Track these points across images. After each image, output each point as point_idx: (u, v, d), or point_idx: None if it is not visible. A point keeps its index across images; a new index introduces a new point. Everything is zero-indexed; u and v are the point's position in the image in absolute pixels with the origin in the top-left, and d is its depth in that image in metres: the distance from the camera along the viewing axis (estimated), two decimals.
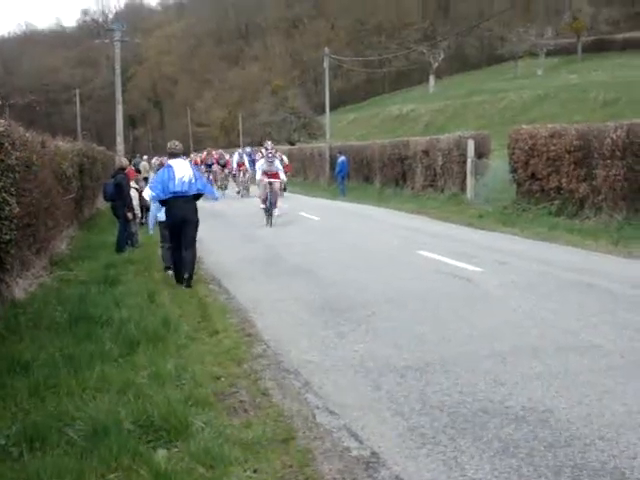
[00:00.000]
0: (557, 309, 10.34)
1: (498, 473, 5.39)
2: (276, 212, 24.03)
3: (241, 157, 41.61)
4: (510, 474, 5.36)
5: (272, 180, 24.19)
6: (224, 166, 43.55)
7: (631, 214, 18.37)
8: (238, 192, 40.33)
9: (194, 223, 13.33)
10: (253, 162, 37.45)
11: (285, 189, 34.11)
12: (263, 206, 24.30)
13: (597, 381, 7.19)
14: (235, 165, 41.55)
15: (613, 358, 7.90)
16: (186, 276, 13.12)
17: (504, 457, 5.63)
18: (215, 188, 38.04)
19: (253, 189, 36.35)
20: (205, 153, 45.96)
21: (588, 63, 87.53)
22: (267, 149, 25.61)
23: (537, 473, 5.35)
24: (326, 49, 50.39)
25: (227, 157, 45.23)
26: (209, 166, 42.79)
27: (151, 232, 14.07)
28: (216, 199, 17.12)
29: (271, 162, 24.44)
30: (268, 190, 23.97)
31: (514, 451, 5.72)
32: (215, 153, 45.80)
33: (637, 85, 59.01)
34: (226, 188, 42.32)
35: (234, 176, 42.75)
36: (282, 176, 24.89)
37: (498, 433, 6.07)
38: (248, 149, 45.26)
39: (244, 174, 40.40)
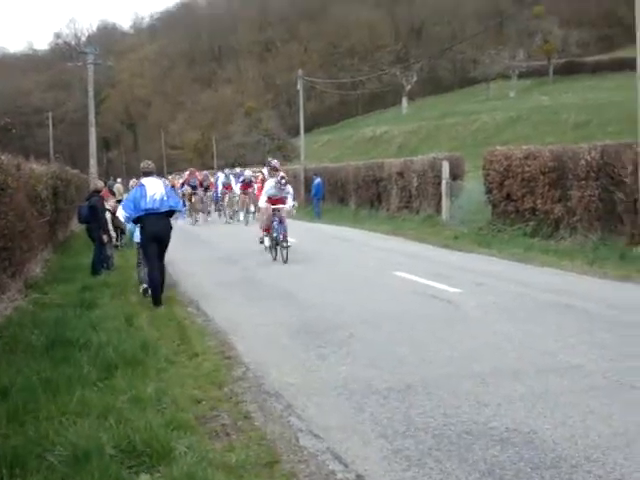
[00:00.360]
0: (535, 330, 10.35)
1: None
2: (285, 245, 19.40)
3: (227, 178, 38.91)
4: None
5: (279, 206, 20.12)
6: (207, 189, 40.47)
7: (606, 234, 18.48)
8: (224, 217, 37.93)
9: (167, 240, 13.66)
10: (247, 185, 34.99)
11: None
12: (266, 241, 20.71)
13: (580, 402, 7.18)
14: (220, 187, 39.26)
15: (595, 378, 7.91)
16: (153, 294, 13.50)
17: (490, 479, 5.60)
18: (195, 214, 36.81)
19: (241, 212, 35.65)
20: (188, 173, 42.38)
21: (559, 85, 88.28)
22: (276, 169, 21.92)
23: None
24: (300, 71, 50.52)
25: (211, 179, 42.65)
26: (194, 188, 38.69)
27: (137, 239, 13.89)
28: (183, 217, 17.72)
29: (283, 187, 20.20)
30: (276, 220, 19.78)
31: (500, 473, 5.69)
32: (199, 174, 42.51)
33: (607, 107, 59.55)
34: (209, 213, 40.18)
35: (216, 201, 40.76)
36: (291, 201, 20.44)
37: (484, 455, 6.04)
38: (238, 170, 41.23)
39: (230, 198, 37.64)
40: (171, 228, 13.74)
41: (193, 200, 37.74)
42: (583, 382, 7.82)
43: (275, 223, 19.78)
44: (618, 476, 5.51)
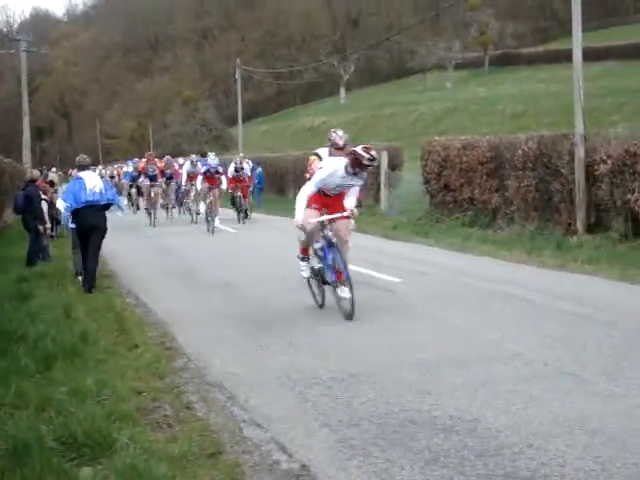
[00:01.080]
0: (478, 319, 10.42)
1: None
2: (346, 293, 10.85)
3: (194, 167, 30.34)
4: None
5: (335, 217, 11.33)
6: (170, 178, 32.33)
7: (542, 224, 18.69)
8: (192, 217, 30.40)
9: (103, 230, 14.15)
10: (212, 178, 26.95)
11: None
12: (304, 268, 11.82)
13: (522, 390, 7.22)
14: (185, 177, 31.09)
15: (536, 366, 7.97)
16: (86, 285, 13.86)
17: (435, 467, 5.60)
18: (154, 212, 29.36)
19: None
20: (144, 161, 33.05)
21: (495, 76, 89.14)
22: (338, 146, 11.99)
23: None
24: (238, 60, 50.28)
25: (176, 166, 34.56)
26: (152, 178, 30.61)
27: (70, 226, 14.10)
28: (122, 210, 16.62)
29: (357, 173, 10.99)
30: (323, 243, 11.33)
31: (445, 461, 5.70)
32: (159, 161, 33.49)
33: (542, 98, 60.31)
34: (173, 208, 33.29)
35: (177, 195, 33.80)
36: (353, 202, 11.39)
37: (428, 443, 6.05)
38: (213, 158, 28.50)
39: (206, 194, 26.88)
40: (106, 219, 14.19)
41: (152, 194, 30.05)
42: (525, 370, 7.87)
43: (321, 245, 11.41)
44: (560, 462, 5.55)
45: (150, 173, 30.91)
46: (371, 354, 8.82)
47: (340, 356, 8.77)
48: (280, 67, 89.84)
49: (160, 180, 30.94)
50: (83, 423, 6.26)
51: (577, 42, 18.25)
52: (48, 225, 19.01)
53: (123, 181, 42.35)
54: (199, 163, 30.52)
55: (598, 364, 7.84)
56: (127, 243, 22.17)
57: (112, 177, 47.84)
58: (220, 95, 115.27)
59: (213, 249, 19.93)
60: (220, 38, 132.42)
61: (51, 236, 20.11)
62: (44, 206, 18.73)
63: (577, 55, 18.26)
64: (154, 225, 28.96)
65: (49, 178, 23.33)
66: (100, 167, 52.38)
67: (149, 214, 29.73)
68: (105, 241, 14.56)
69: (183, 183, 31.75)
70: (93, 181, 14.05)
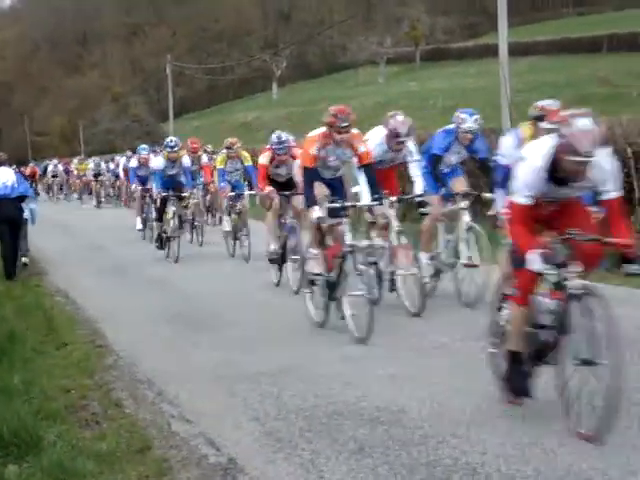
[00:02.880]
0: (403, 312, 10.55)
1: (355, 473, 5.45)
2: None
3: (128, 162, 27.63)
4: (366, 474, 5.43)
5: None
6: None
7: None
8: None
9: (18, 222, 15.14)
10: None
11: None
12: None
13: (447, 380, 7.37)
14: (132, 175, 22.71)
15: (461, 358, 8.12)
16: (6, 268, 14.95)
17: (360, 457, 5.71)
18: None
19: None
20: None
21: (426, 71, 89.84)
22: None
23: (393, 472, 5.44)
24: (169, 56, 50.00)
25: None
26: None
27: None
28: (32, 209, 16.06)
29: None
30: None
31: (369, 451, 5.80)
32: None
33: (472, 92, 60.92)
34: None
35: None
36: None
37: (354, 434, 6.15)
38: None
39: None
40: (22, 211, 15.17)
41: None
42: (449, 360, 8.03)
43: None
44: (482, 450, 5.69)
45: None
46: (300, 348, 8.91)
47: (269, 351, 8.84)
48: (212, 62, 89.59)
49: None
50: (9, 421, 6.23)
51: (503, 37, 18.56)
52: None
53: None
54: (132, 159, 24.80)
55: None
56: (57, 241, 21.93)
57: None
58: (151, 90, 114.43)
59: (144, 246, 19.78)
60: (151, 33, 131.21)
61: None
62: None
63: (503, 50, 18.58)
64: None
65: None
66: (55, 161, 50.13)
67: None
68: (33, 238, 14.54)
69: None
70: (6, 176, 15.11)
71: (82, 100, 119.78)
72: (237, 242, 16.65)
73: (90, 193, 40.10)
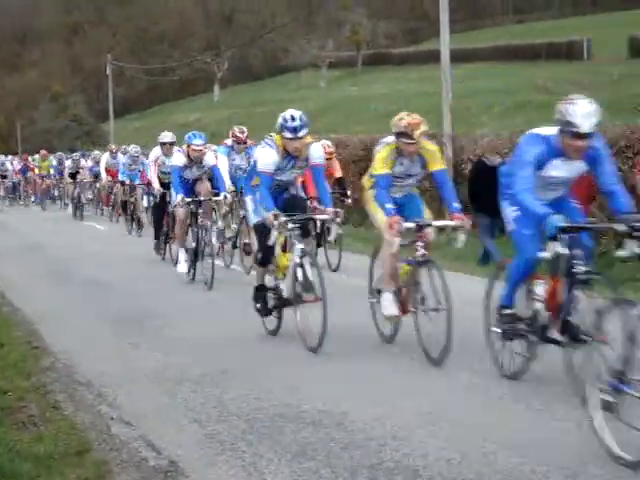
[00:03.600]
0: (350, 313, 10.54)
1: (297, 476, 5.44)
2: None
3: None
4: (309, 476, 5.43)
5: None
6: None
7: None
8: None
9: None
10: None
11: None
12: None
13: (389, 383, 7.41)
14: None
15: (403, 361, 8.15)
16: None
17: (302, 460, 5.70)
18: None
19: None
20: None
21: (368, 76, 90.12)
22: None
23: (335, 474, 5.44)
24: (109, 56, 49.56)
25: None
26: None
27: None
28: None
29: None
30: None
31: (312, 454, 5.79)
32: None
33: (413, 98, 61.31)
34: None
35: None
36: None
37: (296, 437, 6.14)
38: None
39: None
40: None
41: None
42: (392, 363, 8.06)
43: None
44: (423, 452, 5.72)
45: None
46: (242, 350, 8.87)
47: (211, 352, 8.80)
48: (153, 63, 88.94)
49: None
50: None
51: (445, 42, 18.69)
52: None
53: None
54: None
55: (462, 357, 8.04)
56: None
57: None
58: (91, 90, 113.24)
59: (85, 246, 19.55)
60: (91, 33, 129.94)
61: None
62: None
63: (445, 55, 18.70)
64: None
65: None
66: (4, 158, 42.17)
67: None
68: None
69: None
70: None
71: (20, 99, 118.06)
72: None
73: (54, 198, 35.62)
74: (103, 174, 26.15)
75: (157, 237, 16.86)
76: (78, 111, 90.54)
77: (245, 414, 6.71)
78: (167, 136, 16.74)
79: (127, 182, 22.72)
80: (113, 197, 26.42)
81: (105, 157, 26.75)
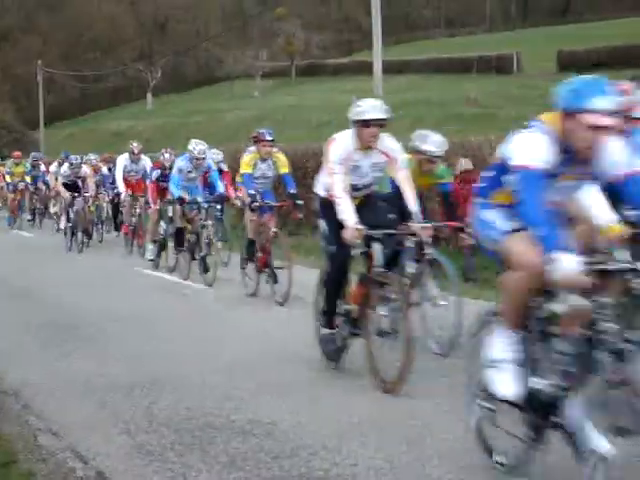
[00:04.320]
0: (270, 322, 10.58)
1: None
2: None
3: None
4: None
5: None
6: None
7: None
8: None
9: None
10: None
11: None
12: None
13: (320, 392, 7.43)
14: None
15: (334, 372, 8.15)
16: None
17: (232, 470, 5.68)
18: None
19: None
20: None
21: (302, 86, 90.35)
22: None
23: None
24: (39, 62, 48.97)
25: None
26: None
27: None
28: None
29: None
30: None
31: (241, 464, 5.79)
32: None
33: (347, 108, 61.53)
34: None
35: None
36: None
37: (225, 447, 6.12)
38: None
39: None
40: None
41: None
42: (323, 374, 8.08)
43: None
44: (353, 462, 5.75)
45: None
46: (173, 360, 8.82)
47: (143, 362, 8.74)
48: (85, 70, 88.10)
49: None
50: None
51: (377, 54, 18.85)
52: None
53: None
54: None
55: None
56: None
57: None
58: (21, 97, 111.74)
59: (10, 255, 19.27)
60: (22, 39, 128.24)
61: None
62: None
63: (377, 67, 18.85)
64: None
65: None
66: None
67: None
68: None
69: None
70: None
71: None
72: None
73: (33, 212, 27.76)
74: (121, 185, 18.67)
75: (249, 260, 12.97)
76: (7, 118, 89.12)
77: (175, 424, 6.67)
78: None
79: (187, 198, 14.52)
80: (134, 220, 18.87)
81: (122, 161, 19.07)
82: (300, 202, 12.51)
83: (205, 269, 13.87)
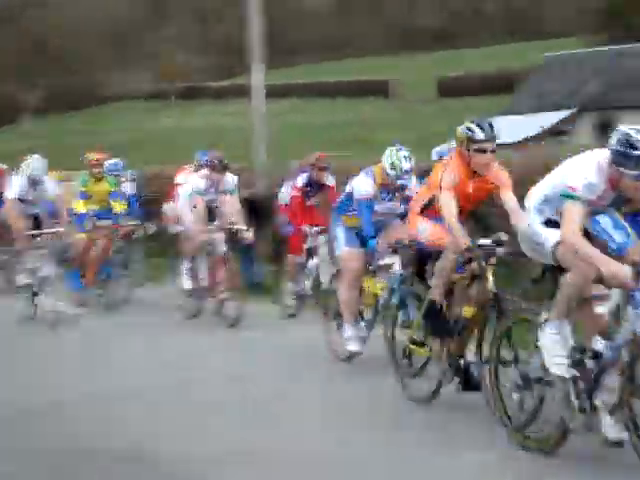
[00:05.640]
0: (164, 345, 10.42)
1: None
2: None
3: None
4: None
5: None
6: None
7: None
8: None
9: None
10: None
11: None
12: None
13: (200, 418, 7.36)
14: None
15: (215, 395, 8.07)
16: None
17: None
18: None
19: None
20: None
21: (183, 109, 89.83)
22: None
23: None
24: None
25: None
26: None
27: None
28: None
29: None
30: None
31: None
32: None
33: (229, 132, 61.56)
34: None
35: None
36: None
37: (101, 475, 6.04)
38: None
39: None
40: None
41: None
42: (205, 397, 8.00)
43: None
44: None
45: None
46: (51, 390, 8.51)
47: (16, 392, 8.48)
48: None
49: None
50: None
51: (257, 78, 18.75)
52: None
53: None
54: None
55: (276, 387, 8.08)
56: None
57: None
58: None
59: None
60: None
61: None
62: None
63: (257, 90, 18.75)
64: None
65: None
66: None
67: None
68: None
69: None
70: None
71: None
72: None
73: None
74: (188, 217, 11.92)
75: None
76: None
77: (51, 454, 6.51)
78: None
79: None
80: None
81: (186, 181, 13.12)
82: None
83: None
